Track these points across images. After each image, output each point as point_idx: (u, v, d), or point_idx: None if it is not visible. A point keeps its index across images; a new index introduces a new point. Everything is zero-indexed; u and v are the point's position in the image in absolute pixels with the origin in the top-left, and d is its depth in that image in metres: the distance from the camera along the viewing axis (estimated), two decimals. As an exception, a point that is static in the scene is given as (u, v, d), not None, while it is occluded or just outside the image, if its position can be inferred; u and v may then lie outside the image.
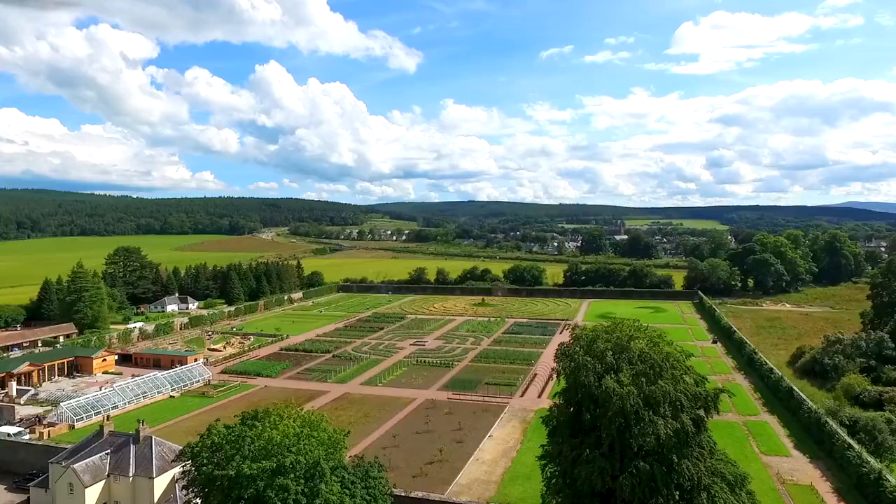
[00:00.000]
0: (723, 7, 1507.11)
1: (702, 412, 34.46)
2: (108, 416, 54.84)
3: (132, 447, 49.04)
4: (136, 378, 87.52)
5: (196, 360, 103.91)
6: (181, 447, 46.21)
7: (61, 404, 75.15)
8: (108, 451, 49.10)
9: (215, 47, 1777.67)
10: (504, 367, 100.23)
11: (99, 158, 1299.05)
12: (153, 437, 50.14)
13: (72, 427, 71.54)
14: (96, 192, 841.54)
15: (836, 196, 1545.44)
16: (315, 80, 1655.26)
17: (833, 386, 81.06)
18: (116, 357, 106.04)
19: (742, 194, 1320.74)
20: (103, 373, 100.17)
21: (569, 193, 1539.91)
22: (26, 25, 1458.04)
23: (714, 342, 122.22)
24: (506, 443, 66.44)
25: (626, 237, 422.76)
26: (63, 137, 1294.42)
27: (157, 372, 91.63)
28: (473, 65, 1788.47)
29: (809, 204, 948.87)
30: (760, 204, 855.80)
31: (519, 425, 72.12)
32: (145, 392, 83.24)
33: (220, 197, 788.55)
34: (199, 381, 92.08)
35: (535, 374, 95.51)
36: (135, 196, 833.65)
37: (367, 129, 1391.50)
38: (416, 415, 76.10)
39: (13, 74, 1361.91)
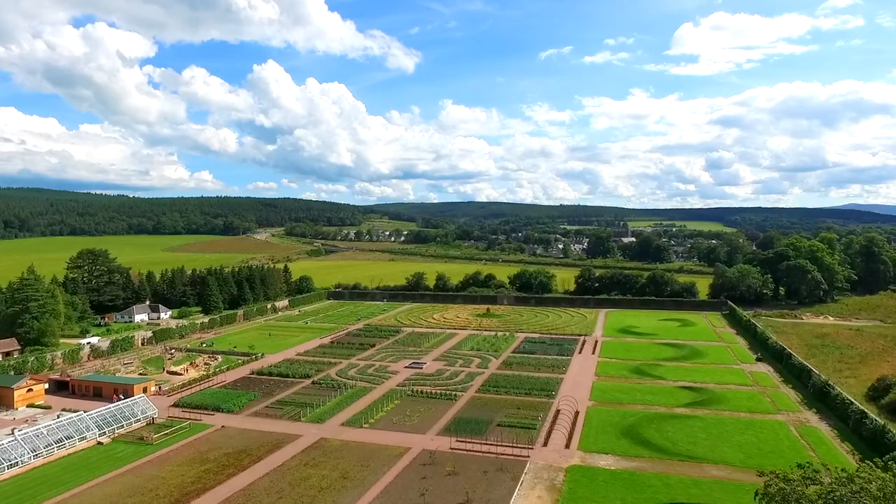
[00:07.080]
0: (723, 8, 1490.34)
1: None
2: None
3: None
4: (56, 420, 69.15)
5: (144, 388, 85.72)
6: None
7: (-64, 464, 56.63)
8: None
9: (213, 46, 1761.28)
10: (519, 401, 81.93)
11: (97, 158, 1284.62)
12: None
13: (-56, 497, 53.32)
14: (93, 192, 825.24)
15: (836, 198, 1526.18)
16: (313, 79, 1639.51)
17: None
18: (47, 385, 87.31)
19: (741, 196, 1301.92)
20: (28, 406, 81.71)
21: (568, 194, 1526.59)
22: (22, 23, 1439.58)
23: (758, 360, 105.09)
24: (531, 527, 48.25)
25: (633, 239, 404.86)
26: (60, 136, 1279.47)
27: (83, 411, 72.93)
28: (472, 65, 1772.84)
29: (809, 206, 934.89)
30: (760, 206, 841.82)
31: (547, 495, 53.73)
32: (62, 439, 64.79)
33: (215, 196, 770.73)
34: (140, 419, 73.86)
35: (558, 411, 77.34)
36: (132, 195, 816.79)
37: (365, 129, 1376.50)
38: (409, 476, 57.87)
39: (10, 73, 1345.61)
